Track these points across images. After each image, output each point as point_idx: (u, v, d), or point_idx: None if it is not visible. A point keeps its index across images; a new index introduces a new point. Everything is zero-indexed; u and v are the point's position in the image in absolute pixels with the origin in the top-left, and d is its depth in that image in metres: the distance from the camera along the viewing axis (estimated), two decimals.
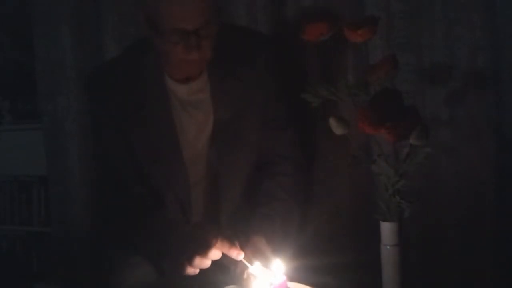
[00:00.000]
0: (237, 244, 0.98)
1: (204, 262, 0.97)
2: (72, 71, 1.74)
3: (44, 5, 1.75)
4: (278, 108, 1.23)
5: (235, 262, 1.01)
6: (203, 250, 0.96)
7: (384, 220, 0.99)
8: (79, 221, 1.78)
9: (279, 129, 1.24)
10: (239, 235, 1.11)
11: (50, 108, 1.78)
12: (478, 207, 1.32)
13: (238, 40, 1.19)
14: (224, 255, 0.98)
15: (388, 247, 0.98)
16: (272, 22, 1.47)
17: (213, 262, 0.99)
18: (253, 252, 1.04)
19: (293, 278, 0.97)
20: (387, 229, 0.98)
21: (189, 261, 0.96)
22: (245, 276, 0.96)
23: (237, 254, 0.96)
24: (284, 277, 0.92)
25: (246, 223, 1.16)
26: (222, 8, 1.22)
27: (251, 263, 0.96)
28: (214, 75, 1.17)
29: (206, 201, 1.24)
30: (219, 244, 0.96)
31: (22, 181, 2.41)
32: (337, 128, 0.99)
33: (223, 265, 1.04)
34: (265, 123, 1.22)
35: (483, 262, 1.33)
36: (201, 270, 0.99)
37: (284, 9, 1.46)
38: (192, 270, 0.97)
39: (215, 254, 0.97)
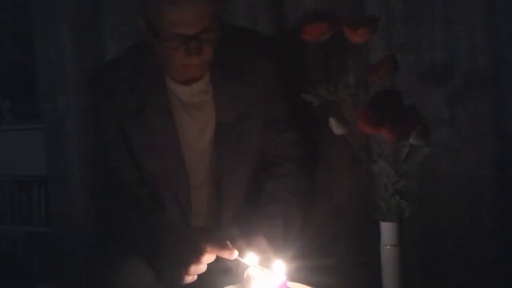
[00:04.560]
0: (228, 243, 0.97)
1: (199, 268, 0.98)
2: (72, 71, 1.74)
3: (44, 5, 1.75)
4: (280, 109, 1.23)
5: (237, 263, 1.02)
6: (196, 257, 0.96)
7: (384, 220, 0.99)
8: (79, 221, 1.78)
9: (282, 130, 1.23)
10: (241, 235, 1.11)
11: (50, 108, 1.78)
12: (478, 207, 1.32)
13: (240, 41, 1.19)
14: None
15: (388, 247, 0.98)
16: (272, 23, 1.47)
17: (215, 263, 0.99)
18: (255, 253, 1.04)
19: (294, 278, 0.97)
20: (387, 229, 0.98)
21: (185, 270, 0.97)
22: (245, 276, 0.95)
23: (230, 254, 0.97)
24: (284, 277, 0.92)
25: (248, 224, 1.16)
26: (223, 10, 1.22)
27: (246, 259, 0.96)
28: (217, 77, 1.17)
29: (208, 203, 1.24)
30: (210, 247, 0.96)
31: (22, 181, 2.41)
32: (337, 128, 0.99)
33: (224, 266, 1.04)
34: (268, 124, 1.22)
35: (483, 262, 1.33)
36: (203, 272, 0.99)
37: (284, 9, 1.47)
38: (190, 278, 0.98)
39: (208, 258, 0.97)
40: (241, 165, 1.21)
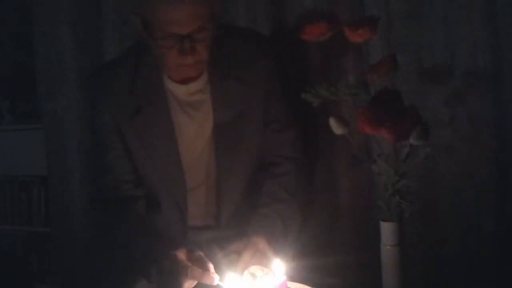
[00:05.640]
0: (209, 266, 0.96)
1: None
2: (72, 71, 1.74)
3: (44, 5, 1.75)
4: (279, 109, 1.23)
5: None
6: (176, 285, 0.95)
7: (384, 220, 0.99)
8: (79, 221, 1.78)
9: (281, 130, 1.23)
10: (240, 236, 1.11)
11: (50, 108, 1.78)
12: (478, 207, 1.32)
13: (239, 41, 1.19)
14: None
15: (388, 247, 0.98)
16: (272, 22, 1.47)
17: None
18: (253, 253, 1.04)
19: (293, 278, 0.97)
20: (387, 229, 0.98)
21: None
22: (245, 276, 0.96)
23: (211, 280, 0.95)
24: (284, 277, 0.92)
25: (247, 224, 1.16)
26: (222, 11, 1.22)
27: (228, 284, 0.94)
28: (215, 76, 1.17)
29: (207, 204, 1.24)
30: (190, 274, 0.94)
31: (22, 181, 2.41)
32: (337, 128, 0.99)
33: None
34: (266, 124, 1.22)
35: (483, 262, 1.33)
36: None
37: (284, 9, 1.46)
38: None
39: (189, 285, 0.96)
40: (240, 165, 1.21)
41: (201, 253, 0.98)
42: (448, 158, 1.33)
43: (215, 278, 0.94)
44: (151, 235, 1.09)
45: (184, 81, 1.16)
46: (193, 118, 1.19)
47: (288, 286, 0.93)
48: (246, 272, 0.96)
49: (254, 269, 0.96)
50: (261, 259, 1.03)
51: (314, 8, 1.41)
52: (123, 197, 1.19)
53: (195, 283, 0.96)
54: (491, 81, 1.29)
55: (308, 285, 0.95)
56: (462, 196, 1.33)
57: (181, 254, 0.97)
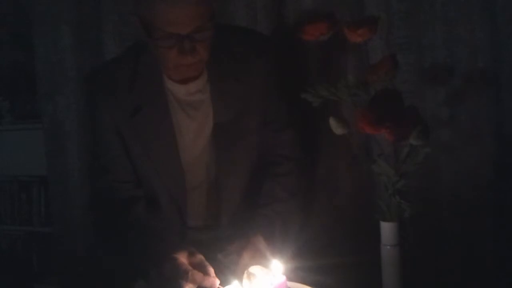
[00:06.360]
0: (210, 270, 0.95)
1: None
2: (72, 71, 1.74)
3: (44, 5, 1.76)
4: (278, 109, 1.23)
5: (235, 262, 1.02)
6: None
7: (384, 220, 0.99)
8: (79, 221, 1.78)
9: (280, 129, 1.23)
10: (240, 235, 1.11)
11: (50, 108, 1.78)
12: (478, 206, 1.32)
13: (238, 41, 1.19)
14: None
15: (388, 247, 0.98)
16: (272, 22, 1.47)
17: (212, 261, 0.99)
18: (253, 253, 1.04)
19: (293, 278, 0.97)
20: (387, 229, 0.98)
21: None
22: (245, 276, 0.95)
23: (212, 283, 0.94)
24: (284, 277, 0.92)
25: (247, 223, 1.16)
26: (220, 9, 1.21)
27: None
28: (214, 76, 1.17)
29: (207, 203, 1.24)
30: (191, 277, 0.93)
31: (22, 181, 2.41)
32: (337, 128, 0.99)
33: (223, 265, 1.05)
34: (266, 124, 1.22)
35: (483, 262, 1.33)
36: None
37: (284, 9, 1.47)
38: None
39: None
40: (240, 165, 1.21)
41: (202, 257, 0.98)
42: (448, 158, 1.33)
43: (216, 283, 0.94)
44: (150, 236, 1.09)
45: (184, 81, 1.16)
46: (193, 118, 1.19)
47: (288, 286, 0.93)
48: (245, 272, 0.96)
49: (254, 269, 0.96)
50: (261, 260, 1.03)
51: (314, 8, 1.42)
52: (123, 197, 1.19)
53: (195, 287, 0.96)
54: (491, 81, 1.29)
55: (308, 285, 0.95)
56: (462, 196, 1.33)
57: (182, 258, 0.97)
